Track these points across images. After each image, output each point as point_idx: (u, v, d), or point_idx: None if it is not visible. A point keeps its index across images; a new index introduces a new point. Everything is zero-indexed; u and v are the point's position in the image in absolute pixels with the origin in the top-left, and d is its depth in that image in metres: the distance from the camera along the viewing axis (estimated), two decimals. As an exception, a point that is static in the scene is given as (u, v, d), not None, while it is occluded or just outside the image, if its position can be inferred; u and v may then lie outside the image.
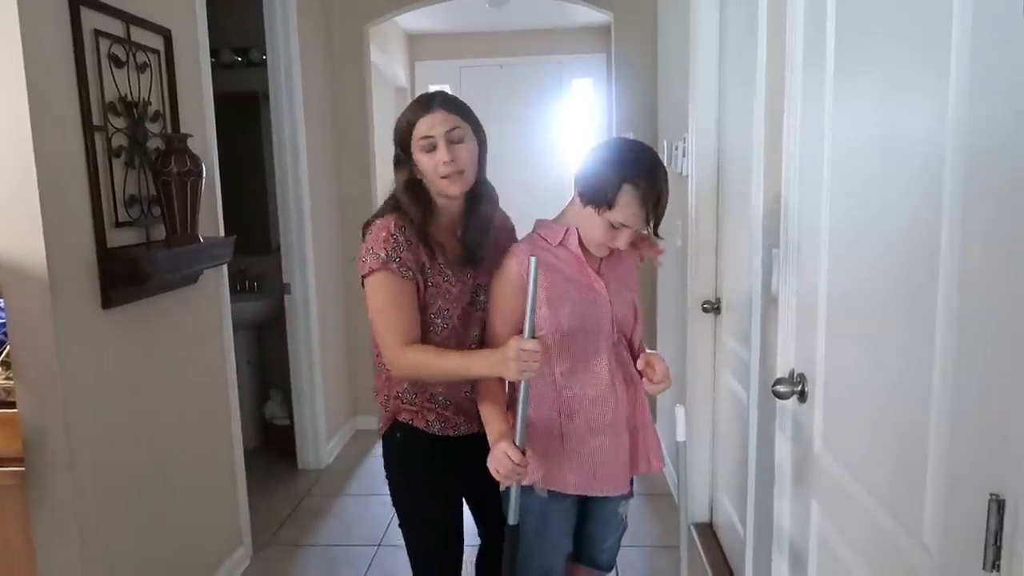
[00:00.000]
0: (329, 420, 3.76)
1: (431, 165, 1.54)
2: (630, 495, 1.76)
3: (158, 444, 2.17)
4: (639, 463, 1.69)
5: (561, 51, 6.00)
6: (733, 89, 2.50)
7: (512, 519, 1.56)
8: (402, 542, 1.76)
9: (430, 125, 1.53)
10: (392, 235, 1.53)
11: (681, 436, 1.64)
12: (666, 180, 1.54)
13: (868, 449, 1.25)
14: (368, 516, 3.13)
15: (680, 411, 1.63)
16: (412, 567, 1.78)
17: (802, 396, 1.54)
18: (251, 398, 3.77)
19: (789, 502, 1.67)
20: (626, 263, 1.69)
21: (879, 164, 1.18)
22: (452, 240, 1.63)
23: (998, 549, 0.87)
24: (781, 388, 1.55)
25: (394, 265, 1.51)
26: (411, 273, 1.53)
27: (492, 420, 1.58)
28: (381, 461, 1.74)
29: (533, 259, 1.46)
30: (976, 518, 0.90)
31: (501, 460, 1.50)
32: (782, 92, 1.64)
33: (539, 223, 1.66)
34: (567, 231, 1.59)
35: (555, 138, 6.11)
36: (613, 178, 1.49)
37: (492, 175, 1.70)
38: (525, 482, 1.59)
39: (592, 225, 1.54)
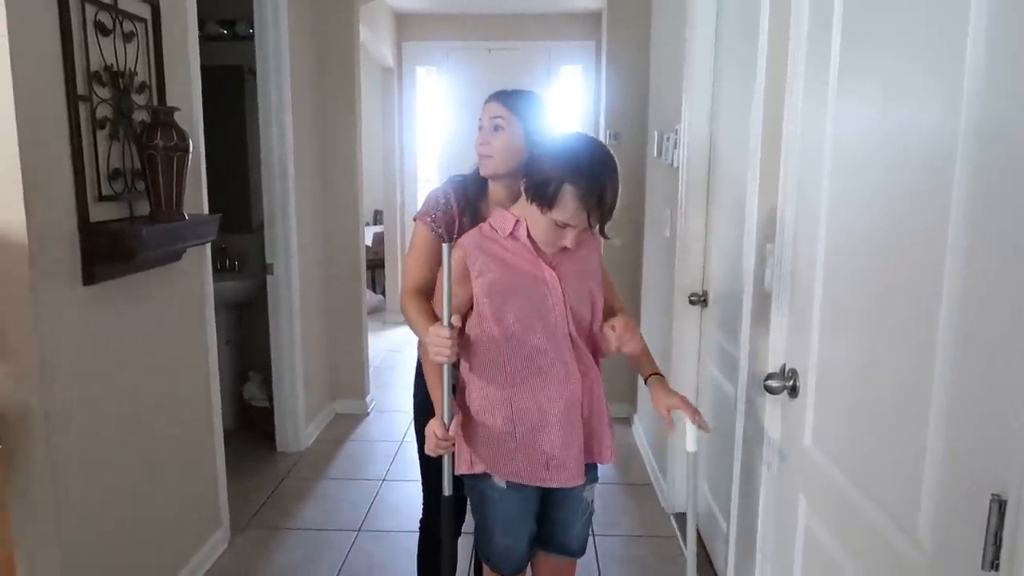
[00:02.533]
0: (309, 403, 3.73)
1: (477, 145, 1.76)
2: (594, 479, 1.76)
3: (137, 423, 2.13)
4: (594, 453, 1.69)
5: (550, 37, 5.96)
6: (727, 81, 2.49)
7: (446, 490, 1.67)
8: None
9: (483, 113, 1.76)
10: (438, 197, 1.78)
11: (691, 446, 1.62)
12: (614, 179, 1.48)
13: (860, 445, 1.26)
14: (348, 500, 3.11)
15: (690, 421, 1.61)
16: (422, 482, 2.01)
17: (793, 391, 1.55)
18: (230, 379, 3.72)
19: (776, 495, 1.68)
20: (583, 253, 1.64)
21: (883, 161, 1.18)
22: None
23: (997, 548, 0.88)
24: (773, 383, 1.56)
25: (428, 218, 1.77)
26: (440, 230, 1.75)
27: (438, 391, 1.65)
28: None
29: (445, 246, 1.51)
30: (975, 517, 0.91)
31: (428, 436, 1.61)
32: (782, 86, 1.64)
33: (494, 212, 1.65)
34: (516, 222, 1.57)
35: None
36: (553, 176, 1.45)
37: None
38: (478, 469, 1.66)
39: (538, 223, 1.52)
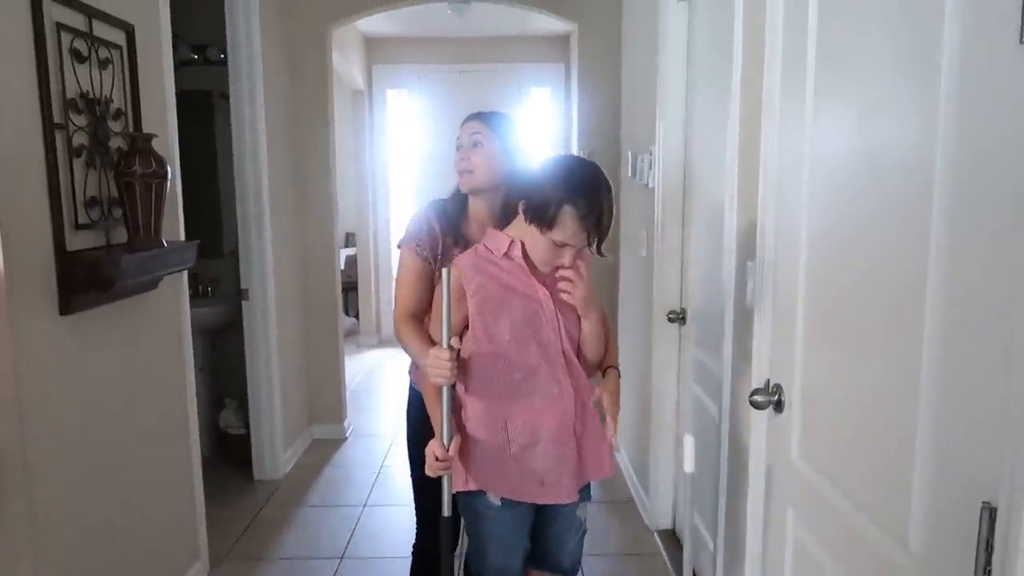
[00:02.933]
0: (286, 429, 3.68)
1: (455, 162, 1.82)
2: (587, 498, 1.77)
3: (114, 455, 2.08)
4: (588, 470, 1.70)
5: (520, 59, 6.04)
6: (701, 100, 2.54)
7: (445, 511, 1.68)
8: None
9: (461, 132, 1.83)
10: (421, 222, 1.81)
11: (689, 467, 1.60)
12: (609, 198, 1.54)
13: (849, 457, 1.29)
14: (329, 527, 3.07)
15: (689, 441, 1.60)
16: (415, 508, 2.03)
17: (778, 406, 1.57)
18: (205, 407, 3.65)
19: (763, 510, 1.70)
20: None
21: (862, 178, 1.22)
22: (481, 236, 1.81)
23: (989, 555, 0.90)
24: (758, 398, 1.58)
25: (414, 244, 1.79)
26: (426, 254, 1.79)
27: (437, 413, 1.65)
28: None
29: (445, 271, 1.55)
30: (966, 525, 0.94)
31: (428, 456, 1.61)
32: (758, 104, 1.68)
33: (488, 234, 1.67)
34: (511, 243, 1.60)
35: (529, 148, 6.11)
36: (553, 198, 1.49)
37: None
38: (473, 487, 1.66)
39: (536, 243, 1.55)
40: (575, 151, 4.13)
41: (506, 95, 6.08)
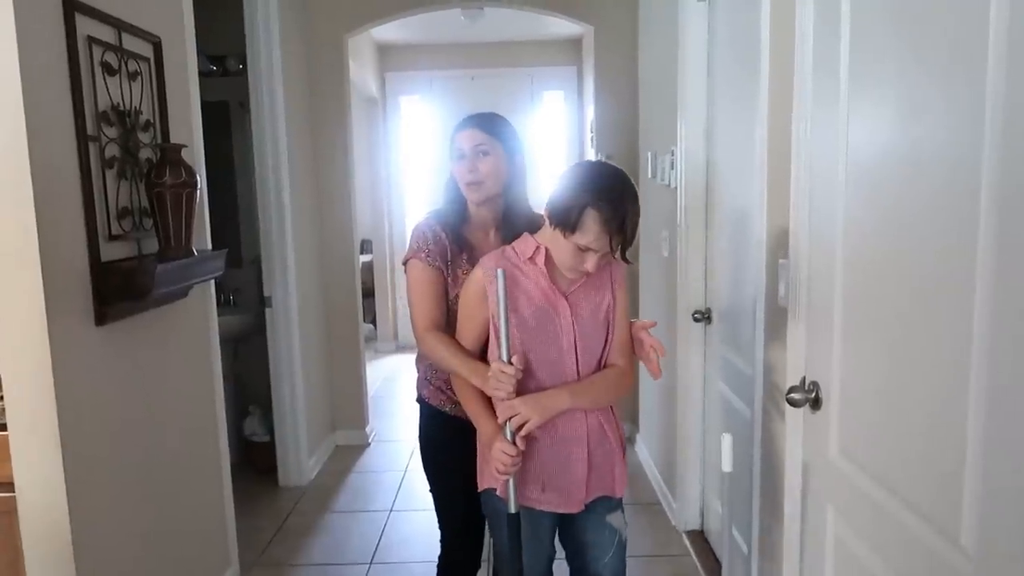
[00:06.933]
0: (310, 436, 3.69)
1: (460, 174, 1.79)
2: (615, 507, 1.75)
3: (148, 464, 2.09)
4: (600, 486, 1.68)
5: (532, 63, 6.04)
6: (723, 99, 2.54)
7: (512, 508, 1.62)
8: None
9: (462, 140, 1.79)
10: (424, 232, 1.78)
11: (727, 467, 1.60)
12: (634, 203, 1.52)
13: (894, 453, 1.27)
14: (357, 533, 3.08)
15: (727, 440, 1.60)
16: (439, 525, 1.98)
17: (816, 403, 1.57)
18: (230, 415, 3.66)
19: (800, 509, 1.69)
20: (597, 284, 1.66)
21: (903, 175, 1.21)
22: (486, 242, 1.84)
23: (1050, 551, 0.89)
24: (795, 396, 1.57)
25: (423, 254, 1.76)
26: (437, 263, 1.76)
27: (482, 418, 1.65)
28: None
29: (500, 271, 1.53)
30: (1020, 518, 0.93)
31: (499, 458, 1.56)
32: (787, 102, 1.67)
33: (522, 237, 1.67)
34: (537, 248, 1.61)
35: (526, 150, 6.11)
36: (577, 202, 1.49)
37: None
38: (488, 485, 1.68)
39: (560, 247, 1.55)
40: (592, 155, 4.12)
41: (519, 100, 6.09)
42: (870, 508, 1.35)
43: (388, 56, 6.14)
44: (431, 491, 1.96)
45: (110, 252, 1.89)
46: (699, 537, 2.91)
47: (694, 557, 2.77)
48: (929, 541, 1.17)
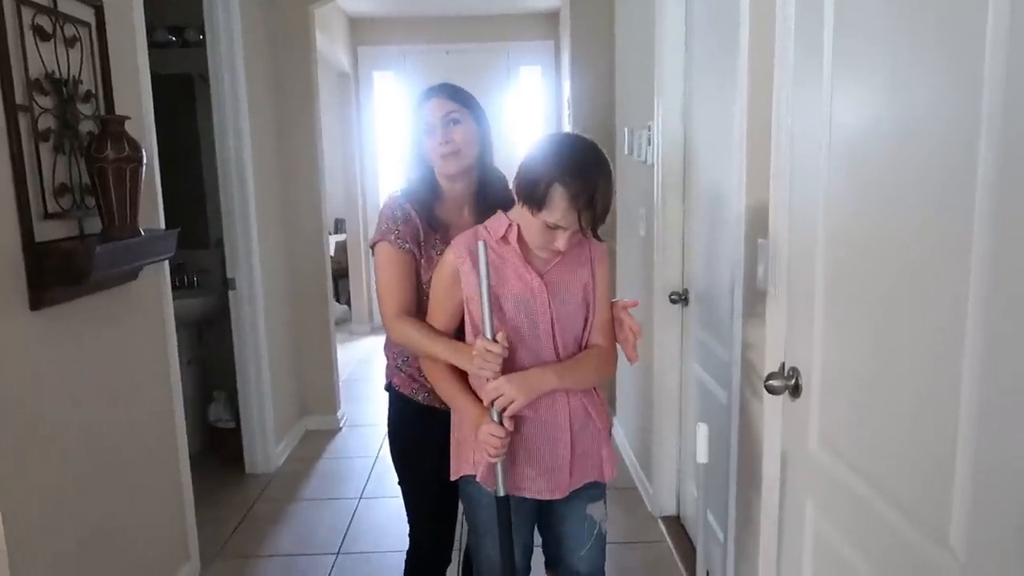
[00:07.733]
0: (278, 421, 3.58)
1: (432, 146, 1.68)
2: (598, 496, 1.68)
3: (97, 455, 1.98)
4: (585, 471, 1.62)
5: (508, 38, 5.90)
6: (701, 73, 2.44)
7: (501, 491, 1.54)
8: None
9: (429, 111, 1.68)
10: (394, 211, 1.68)
11: (703, 458, 1.53)
12: (606, 179, 1.43)
13: (877, 446, 1.20)
14: (324, 522, 2.99)
15: (702, 430, 1.52)
16: (408, 519, 1.89)
17: (795, 391, 1.49)
18: (193, 400, 3.55)
19: (778, 500, 1.62)
20: (573, 264, 1.58)
21: (891, 150, 1.12)
22: (460, 219, 1.73)
23: (1047, 555, 0.82)
24: (774, 383, 1.50)
25: (392, 236, 1.66)
26: (408, 245, 1.66)
27: (460, 399, 1.57)
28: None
29: (481, 244, 1.44)
30: (1016, 521, 0.86)
31: (488, 440, 1.48)
32: (768, 73, 1.58)
33: (495, 215, 1.59)
34: (510, 226, 1.52)
35: (503, 126, 6.00)
36: (543, 177, 1.39)
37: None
38: (465, 471, 1.61)
39: (529, 225, 1.47)
40: (569, 129, 4.02)
41: (495, 75, 5.95)
42: (851, 504, 1.28)
43: (360, 29, 5.95)
44: (400, 483, 1.87)
45: (46, 232, 1.76)
46: (675, 523, 2.85)
47: (670, 543, 2.72)
48: (915, 541, 1.09)
